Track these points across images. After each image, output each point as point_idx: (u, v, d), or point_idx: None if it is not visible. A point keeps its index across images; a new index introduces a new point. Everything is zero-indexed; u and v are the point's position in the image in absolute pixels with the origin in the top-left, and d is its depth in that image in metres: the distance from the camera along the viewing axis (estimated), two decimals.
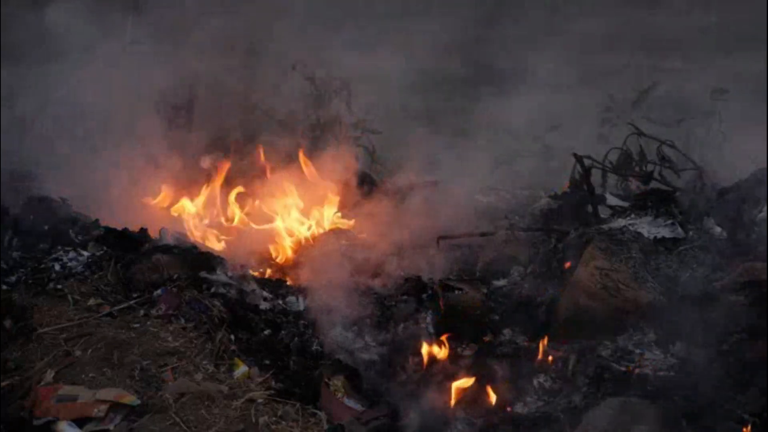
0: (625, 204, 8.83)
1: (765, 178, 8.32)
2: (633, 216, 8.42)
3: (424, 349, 6.91)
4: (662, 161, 9.46)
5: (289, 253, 8.60)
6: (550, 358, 6.80)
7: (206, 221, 8.86)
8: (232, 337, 6.97)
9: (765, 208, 8.04)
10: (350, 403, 6.56)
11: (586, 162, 9.03)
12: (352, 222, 9.00)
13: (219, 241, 8.63)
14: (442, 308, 7.29)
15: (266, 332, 7.18)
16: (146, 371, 6.41)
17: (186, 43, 10.71)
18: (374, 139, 11.14)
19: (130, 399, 6.08)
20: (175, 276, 7.41)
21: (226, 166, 9.26)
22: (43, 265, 7.50)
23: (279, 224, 8.82)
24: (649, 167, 9.51)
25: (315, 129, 10.96)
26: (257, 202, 9.09)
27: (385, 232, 8.63)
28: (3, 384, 6.20)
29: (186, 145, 9.49)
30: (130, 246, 7.75)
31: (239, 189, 9.14)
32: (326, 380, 6.56)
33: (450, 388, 6.54)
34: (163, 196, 9.07)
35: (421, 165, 9.27)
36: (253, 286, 7.64)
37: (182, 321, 7.00)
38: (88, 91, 9.74)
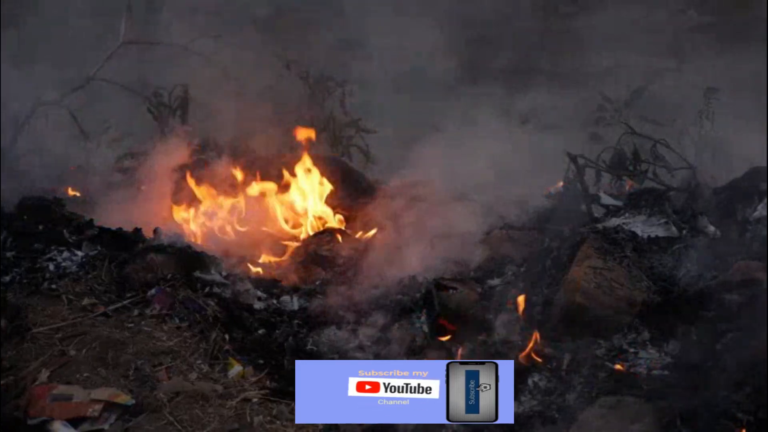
0: (619, 203, 8.83)
1: (759, 177, 8.34)
2: (627, 215, 8.42)
3: None
4: (656, 160, 9.46)
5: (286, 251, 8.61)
6: (544, 357, 6.81)
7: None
8: (227, 336, 6.98)
9: (759, 207, 8.06)
10: None
11: (580, 161, 9.03)
12: (342, 221, 9.01)
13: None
14: (437, 307, 7.29)
15: (261, 332, 7.19)
16: (141, 371, 6.41)
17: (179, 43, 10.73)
18: (368, 139, 11.14)
19: (125, 398, 6.08)
20: (170, 275, 7.41)
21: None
22: (37, 265, 7.50)
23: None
24: (643, 166, 9.52)
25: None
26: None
27: (379, 231, 8.63)
28: None
29: (180, 144, 9.47)
30: (124, 245, 7.76)
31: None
32: None
33: None
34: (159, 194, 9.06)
35: (415, 164, 9.27)
36: (247, 285, 7.65)
37: (176, 320, 7.02)
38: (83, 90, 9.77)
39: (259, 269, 8.29)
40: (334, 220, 9.03)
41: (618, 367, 6.58)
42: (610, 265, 7.23)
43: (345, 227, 8.92)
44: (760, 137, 8.88)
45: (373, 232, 8.68)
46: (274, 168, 9.38)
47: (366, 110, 11.53)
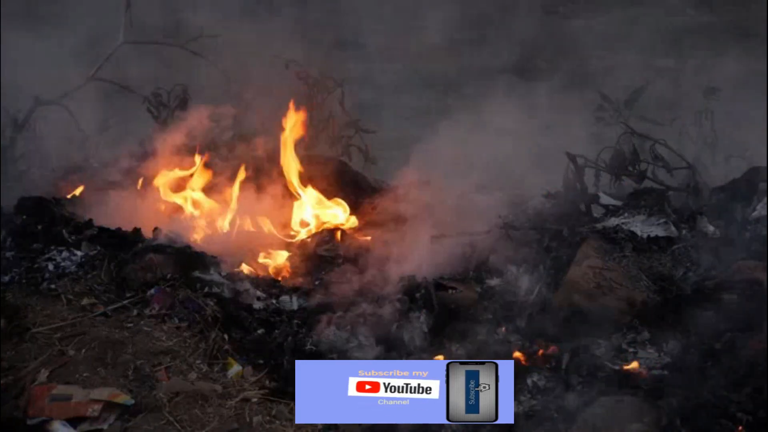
0: (619, 203, 8.83)
1: (758, 177, 8.35)
2: (626, 215, 8.43)
3: None
4: (655, 160, 9.47)
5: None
6: (542, 355, 6.82)
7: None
8: (226, 336, 6.97)
9: (759, 207, 8.07)
10: None
11: (579, 161, 9.04)
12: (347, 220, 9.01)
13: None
14: (436, 307, 7.29)
15: (260, 331, 7.18)
16: (140, 371, 6.41)
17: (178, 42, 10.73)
18: (367, 139, 11.12)
19: (124, 398, 6.08)
20: (169, 275, 7.41)
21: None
22: (36, 265, 7.49)
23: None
24: (642, 166, 9.52)
25: (307, 129, 10.92)
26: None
27: (379, 231, 8.63)
28: None
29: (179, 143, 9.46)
30: (123, 245, 7.75)
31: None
32: None
33: None
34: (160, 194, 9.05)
35: (415, 164, 9.26)
36: (247, 285, 7.64)
37: (176, 320, 7.01)
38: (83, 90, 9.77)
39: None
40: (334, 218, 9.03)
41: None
42: (610, 265, 7.24)
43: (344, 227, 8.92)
44: (760, 137, 8.89)
45: (371, 231, 8.69)
46: (273, 167, 9.40)
47: (366, 110, 11.53)
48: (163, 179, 8.93)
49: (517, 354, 6.80)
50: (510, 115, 9.78)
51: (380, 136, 11.22)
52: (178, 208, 8.89)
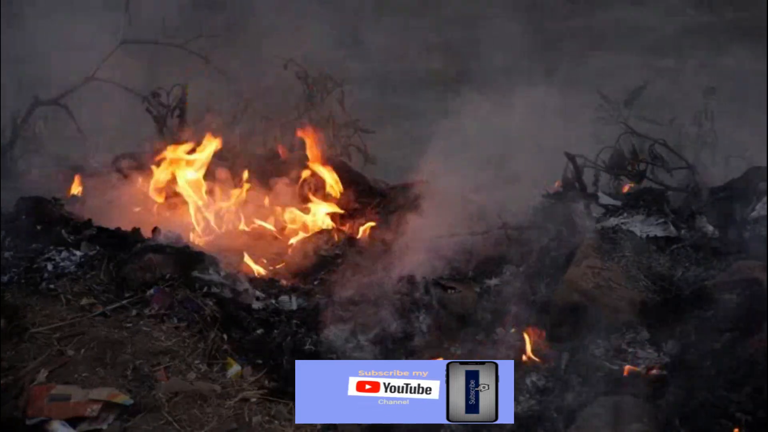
0: (618, 203, 8.83)
1: (757, 177, 8.35)
2: (625, 215, 8.43)
3: None
4: (654, 160, 9.47)
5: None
6: (542, 355, 6.82)
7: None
8: (225, 336, 6.97)
9: (758, 207, 8.07)
10: None
11: (579, 161, 9.04)
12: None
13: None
14: (435, 307, 7.28)
15: (259, 331, 7.18)
16: (139, 371, 6.42)
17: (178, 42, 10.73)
18: (367, 139, 11.12)
19: (123, 398, 6.09)
20: (168, 275, 7.41)
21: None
22: (35, 265, 7.49)
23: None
24: (642, 166, 9.52)
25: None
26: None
27: (378, 231, 8.63)
28: None
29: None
30: (122, 245, 7.75)
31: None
32: None
33: None
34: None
35: (414, 164, 9.26)
36: (246, 285, 7.64)
37: (175, 320, 7.01)
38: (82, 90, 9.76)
39: (260, 269, 8.29)
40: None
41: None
42: (609, 265, 7.24)
43: (344, 227, 8.92)
44: (760, 137, 8.89)
45: (369, 226, 8.69)
46: (271, 167, 9.41)
47: (366, 110, 11.52)
48: (162, 177, 8.96)
49: (517, 354, 6.81)
50: (509, 115, 9.79)
51: (380, 136, 11.21)
52: (177, 208, 8.92)
